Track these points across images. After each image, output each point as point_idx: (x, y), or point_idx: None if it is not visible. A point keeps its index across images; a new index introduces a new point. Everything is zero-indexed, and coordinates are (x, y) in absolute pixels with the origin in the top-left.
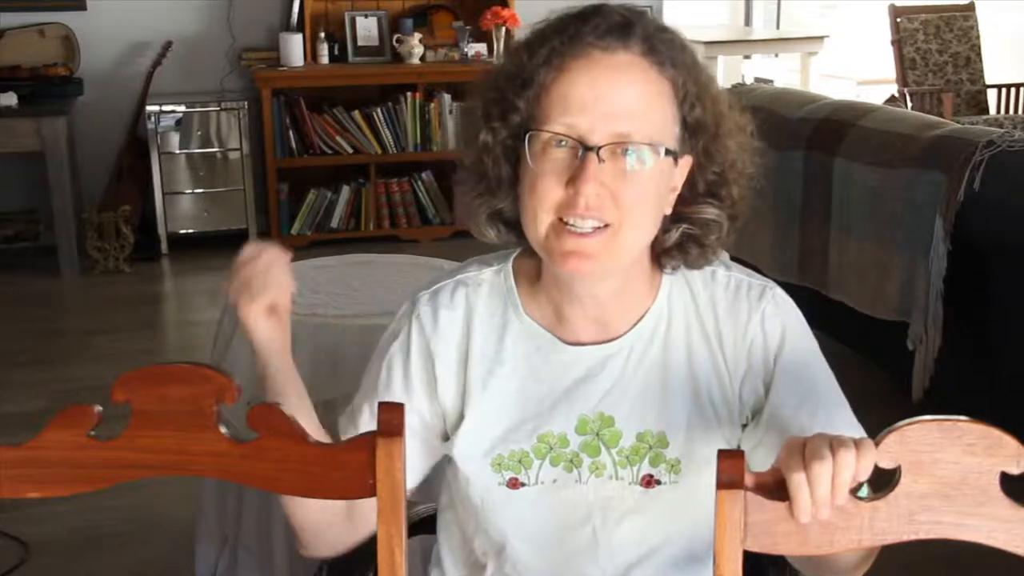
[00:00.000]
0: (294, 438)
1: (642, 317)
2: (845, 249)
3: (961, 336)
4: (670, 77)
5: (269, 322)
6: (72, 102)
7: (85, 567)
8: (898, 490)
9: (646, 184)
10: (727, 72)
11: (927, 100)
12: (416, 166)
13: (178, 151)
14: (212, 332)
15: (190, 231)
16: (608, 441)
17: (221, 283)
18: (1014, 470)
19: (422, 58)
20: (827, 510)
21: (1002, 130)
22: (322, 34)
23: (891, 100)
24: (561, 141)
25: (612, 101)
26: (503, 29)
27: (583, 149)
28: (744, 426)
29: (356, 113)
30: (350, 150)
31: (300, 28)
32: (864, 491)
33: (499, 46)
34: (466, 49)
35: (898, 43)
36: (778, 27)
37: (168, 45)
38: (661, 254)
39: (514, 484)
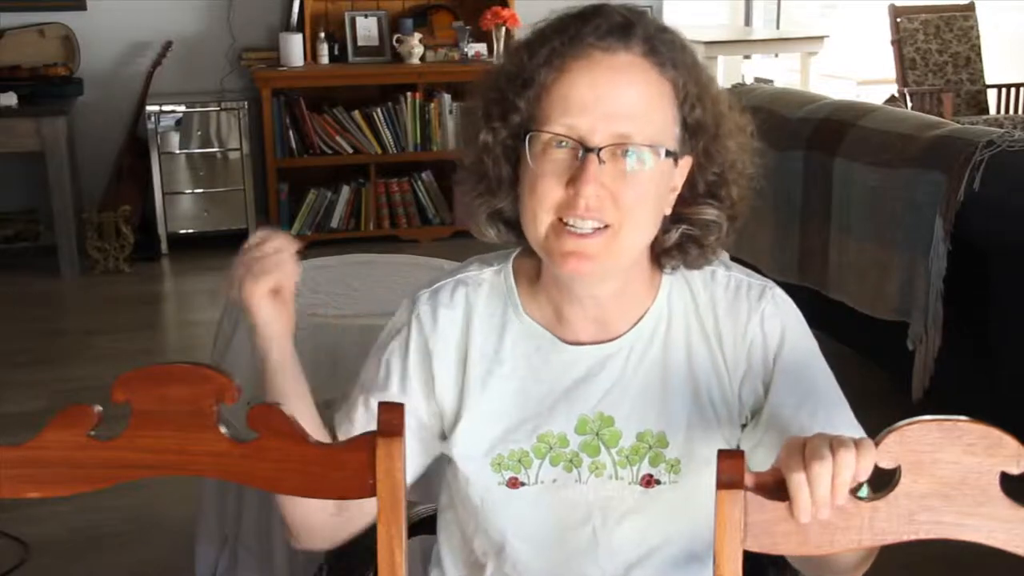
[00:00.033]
0: (294, 438)
1: (642, 317)
2: (845, 249)
3: (961, 336)
4: (671, 78)
5: (271, 304)
6: (72, 102)
7: (85, 567)
8: (898, 490)
9: (646, 185)
10: (727, 72)
11: (927, 100)
12: (416, 166)
13: (178, 151)
14: (212, 332)
15: (190, 231)
16: (608, 441)
17: (221, 283)
18: (1014, 470)
19: (422, 58)
20: (827, 510)
21: (1002, 130)
22: (322, 34)
23: (891, 100)
24: (561, 142)
25: (613, 102)
26: (503, 29)
27: (583, 150)
28: (744, 426)
29: (356, 113)
30: (350, 150)
31: (300, 28)
32: (864, 491)
33: (499, 46)
34: (466, 49)
35: (898, 43)
36: (778, 27)
37: (168, 45)
38: (661, 254)
39: (514, 484)
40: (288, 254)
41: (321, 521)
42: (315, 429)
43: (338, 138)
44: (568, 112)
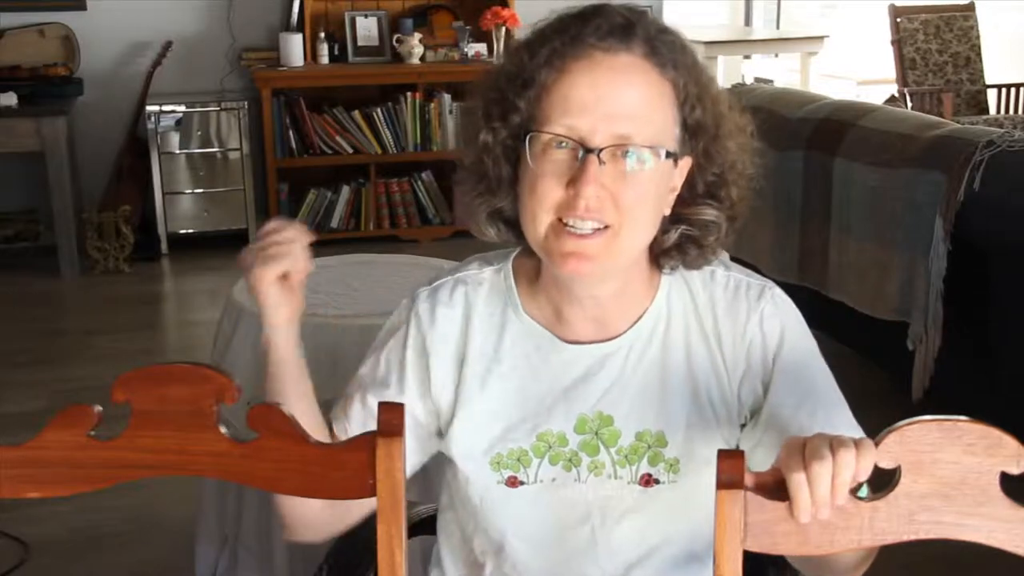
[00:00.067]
0: (294, 438)
1: (641, 317)
2: (845, 249)
3: (961, 336)
4: (671, 79)
5: (280, 290)
6: (72, 102)
7: (85, 567)
8: (898, 490)
9: (646, 186)
10: (727, 72)
11: (927, 100)
12: (416, 166)
13: (178, 151)
14: (212, 332)
15: (190, 231)
16: (607, 440)
17: (221, 283)
18: (1014, 470)
19: (422, 58)
20: (827, 510)
21: (1002, 130)
22: (322, 34)
23: (891, 100)
24: (562, 142)
25: (613, 103)
26: (503, 29)
27: (584, 151)
28: (743, 426)
29: (356, 113)
30: (350, 150)
31: (300, 28)
32: (864, 491)
33: (499, 46)
34: (466, 49)
35: (898, 43)
36: (778, 27)
37: (168, 45)
38: (660, 255)
39: (513, 483)
40: (301, 245)
41: (314, 514)
42: (316, 424)
43: (338, 138)
44: (568, 113)
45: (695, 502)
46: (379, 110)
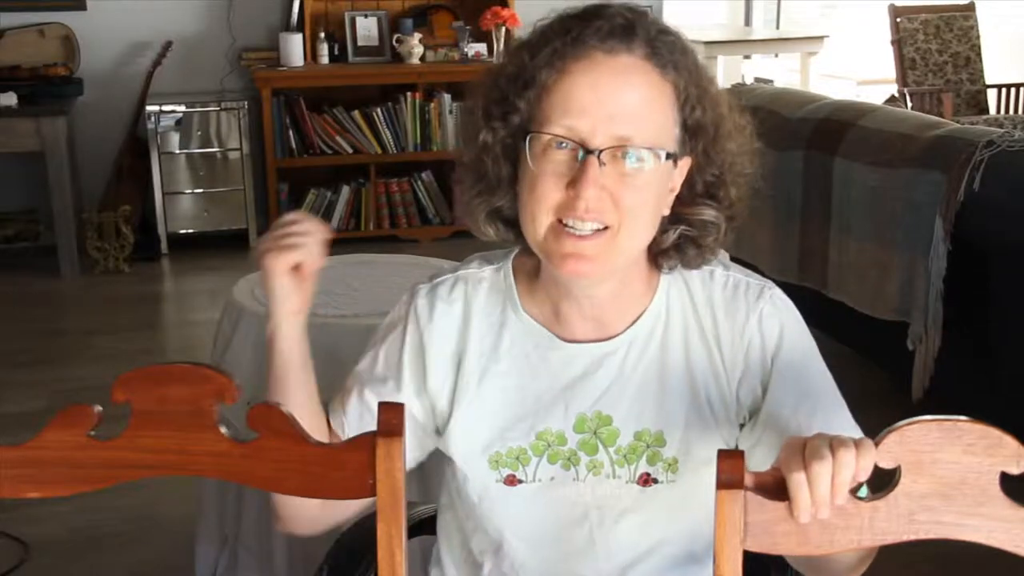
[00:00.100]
0: (294, 438)
1: (640, 316)
2: (845, 249)
3: (961, 336)
4: (672, 80)
5: (290, 280)
6: (72, 102)
7: (85, 567)
8: (898, 490)
9: (646, 187)
10: (727, 72)
11: (927, 100)
12: (416, 166)
13: (178, 151)
14: (212, 332)
15: (190, 231)
16: (606, 439)
17: (221, 283)
18: (1014, 470)
19: (422, 58)
20: (827, 510)
21: (1002, 130)
22: (322, 34)
23: (891, 100)
24: (562, 143)
25: (614, 104)
26: (503, 29)
27: (584, 152)
28: (742, 426)
29: (356, 113)
30: (350, 150)
31: (300, 28)
32: (864, 491)
33: (499, 46)
34: (466, 49)
35: (898, 43)
36: (778, 27)
37: (168, 45)
38: (659, 254)
39: (511, 481)
40: (316, 238)
41: (307, 509)
42: (316, 421)
43: (338, 138)
44: (569, 113)
45: (694, 502)
46: (379, 110)
